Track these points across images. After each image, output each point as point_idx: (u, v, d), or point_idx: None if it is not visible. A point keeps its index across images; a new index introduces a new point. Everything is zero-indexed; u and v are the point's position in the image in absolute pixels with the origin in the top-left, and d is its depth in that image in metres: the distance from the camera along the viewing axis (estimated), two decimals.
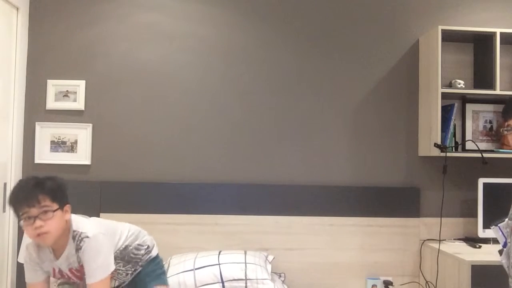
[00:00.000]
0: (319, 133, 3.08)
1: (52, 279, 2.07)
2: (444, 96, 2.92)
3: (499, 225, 1.97)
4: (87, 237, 1.91)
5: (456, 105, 2.95)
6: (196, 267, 2.60)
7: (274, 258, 2.88)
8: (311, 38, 3.10)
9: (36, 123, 2.92)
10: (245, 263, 2.63)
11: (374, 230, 3.03)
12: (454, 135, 3.02)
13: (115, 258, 2.06)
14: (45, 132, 2.93)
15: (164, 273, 2.35)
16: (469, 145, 3.08)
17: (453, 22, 3.17)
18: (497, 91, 2.88)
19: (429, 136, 2.95)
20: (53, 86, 2.95)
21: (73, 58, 2.98)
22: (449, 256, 2.70)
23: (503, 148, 3.01)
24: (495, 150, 3.02)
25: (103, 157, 2.96)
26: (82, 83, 2.96)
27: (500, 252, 1.95)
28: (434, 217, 3.07)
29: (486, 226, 2.91)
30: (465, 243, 2.93)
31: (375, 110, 3.12)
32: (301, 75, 3.09)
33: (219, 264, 2.61)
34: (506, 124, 1.89)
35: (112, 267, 1.96)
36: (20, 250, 2.62)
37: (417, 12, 3.16)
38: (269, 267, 2.72)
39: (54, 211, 1.85)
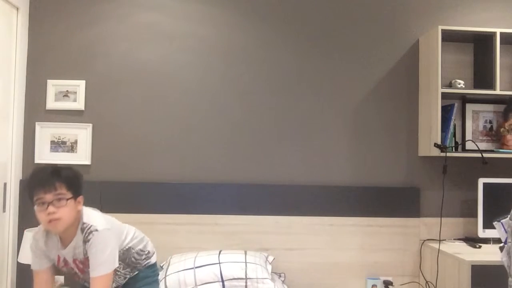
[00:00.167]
0: (319, 133, 3.08)
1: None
2: (444, 96, 2.93)
3: (501, 221, 1.98)
4: (96, 230, 1.92)
5: (456, 105, 2.95)
6: (196, 265, 2.61)
7: (274, 259, 2.88)
8: (311, 38, 3.11)
9: (36, 123, 2.93)
10: (245, 262, 2.63)
11: (374, 230, 3.03)
12: (454, 135, 3.02)
13: None
14: (45, 132, 2.93)
15: (157, 281, 2.31)
16: (469, 145, 3.08)
17: (453, 22, 3.17)
18: (497, 91, 2.88)
19: (429, 136, 2.95)
20: (53, 86, 2.95)
21: (73, 58, 2.98)
22: (449, 256, 2.70)
23: (503, 148, 3.01)
24: (495, 150, 3.02)
25: (103, 157, 2.96)
26: (82, 83, 2.96)
27: (501, 248, 1.95)
28: (434, 217, 3.07)
29: (486, 226, 2.91)
30: (465, 243, 2.93)
31: (375, 110, 3.12)
32: (301, 75, 3.09)
33: (219, 263, 2.61)
34: (507, 124, 1.90)
35: (117, 263, 1.97)
36: (20, 250, 2.63)
37: (417, 12, 3.16)
38: (269, 267, 2.72)
39: (68, 199, 1.88)
